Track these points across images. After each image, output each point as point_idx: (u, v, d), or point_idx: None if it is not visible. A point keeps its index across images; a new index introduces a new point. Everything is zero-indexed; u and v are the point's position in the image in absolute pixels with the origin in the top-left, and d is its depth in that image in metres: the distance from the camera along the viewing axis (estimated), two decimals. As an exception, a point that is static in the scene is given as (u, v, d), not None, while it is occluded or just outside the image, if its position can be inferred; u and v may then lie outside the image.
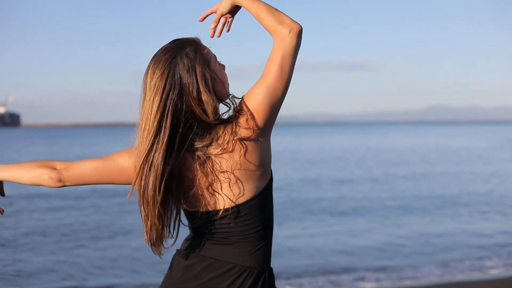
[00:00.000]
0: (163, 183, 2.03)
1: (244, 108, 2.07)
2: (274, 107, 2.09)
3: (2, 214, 2.13)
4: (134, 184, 2.07)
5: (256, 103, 2.07)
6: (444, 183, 22.49)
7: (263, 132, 2.10)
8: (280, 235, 11.86)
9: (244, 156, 2.07)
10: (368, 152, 44.82)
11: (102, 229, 13.11)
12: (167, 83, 2.03)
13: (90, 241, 11.75)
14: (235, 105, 2.12)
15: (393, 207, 16.24)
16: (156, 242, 2.10)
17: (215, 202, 2.10)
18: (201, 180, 2.08)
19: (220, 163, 2.07)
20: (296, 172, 27.62)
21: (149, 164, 2.03)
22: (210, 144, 2.07)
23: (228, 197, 2.08)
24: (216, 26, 2.26)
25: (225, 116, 2.13)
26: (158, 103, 2.02)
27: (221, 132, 2.07)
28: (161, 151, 2.02)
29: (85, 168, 2.11)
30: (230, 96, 2.15)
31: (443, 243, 11.32)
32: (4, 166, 2.14)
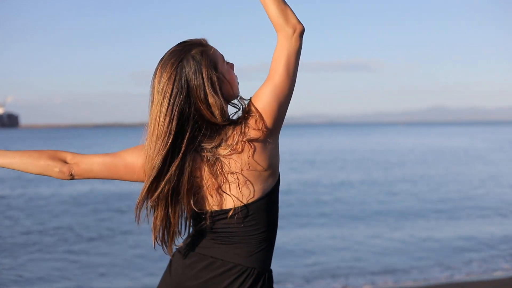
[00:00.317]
0: (172, 185, 2.06)
1: (253, 109, 2.08)
2: (282, 107, 2.09)
3: None
4: (145, 187, 2.08)
5: (264, 104, 2.07)
6: (443, 185, 22.47)
7: (272, 133, 2.11)
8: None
9: (253, 157, 2.07)
10: (369, 153, 44.81)
11: (103, 229, 13.07)
12: (174, 86, 2.05)
13: (90, 241, 11.71)
14: (243, 106, 2.12)
15: (393, 209, 16.22)
16: (167, 242, 2.14)
17: (223, 203, 2.11)
18: (210, 181, 2.09)
19: (229, 164, 2.08)
20: (296, 173, 27.58)
21: (160, 168, 2.05)
22: (219, 145, 2.08)
23: (237, 198, 2.09)
24: None
25: (234, 117, 2.13)
26: (166, 107, 2.04)
27: (230, 133, 2.08)
28: (170, 154, 2.04)
29: (95, 164, 2.16)
30: (239, 98, 2.15)
31: (443, 245, 11.29)
32: (9, 153, 2.15)
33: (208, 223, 2.12)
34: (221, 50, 2.15)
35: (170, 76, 2.05)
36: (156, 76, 2.08)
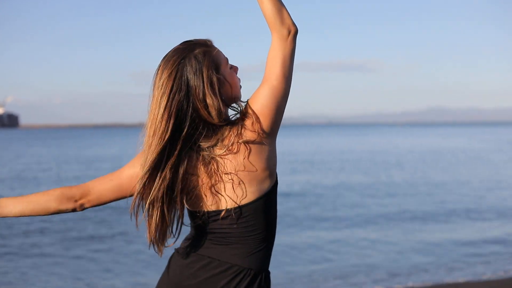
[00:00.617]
0: (167, 183, 2.06)
1: (250, 111, 2.09)
2: (279, 109, 2.10)
3: None
4: (139, 183, 2.08)
5: (262, 106, 2.08)
6: (443, 186, 22.48)
7: (269, 135, 2.11)
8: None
9: (248, 158, 2.08)
10: (367, 154, 44.83)
11: (103, 229, 13.09)
12: (174, 84, 2.06)
13: (90, 241, 11.72)
14: (241, 108, 2.13)
15: (394, 211, 16.23)
16: (159, 241, 2.13)
17: (218, 203, 2.11)
18: (205, 180, 2.09)
19: (225, 164, 2.08)
20: (296, 173, 27.60)
21: (155, 164, 2.05)
22: (215, 145, 2.09)
23: (230, 198, 2.09)
24: None
25: (232, 119, 2.14)
26: (165, 103, 2.05)
27: (226, 133, 2.09)
28: (166, 150, 2.05)
29: (104, 194, 2.20)
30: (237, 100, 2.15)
31: (446, 246, 11.30)
32: (16, 201, 2.19)
33: (204, 223, 2.13)
34: (221, 50, 2.15)
35: (171, 73, 2.06)
36: (158, 72, 2.09)
